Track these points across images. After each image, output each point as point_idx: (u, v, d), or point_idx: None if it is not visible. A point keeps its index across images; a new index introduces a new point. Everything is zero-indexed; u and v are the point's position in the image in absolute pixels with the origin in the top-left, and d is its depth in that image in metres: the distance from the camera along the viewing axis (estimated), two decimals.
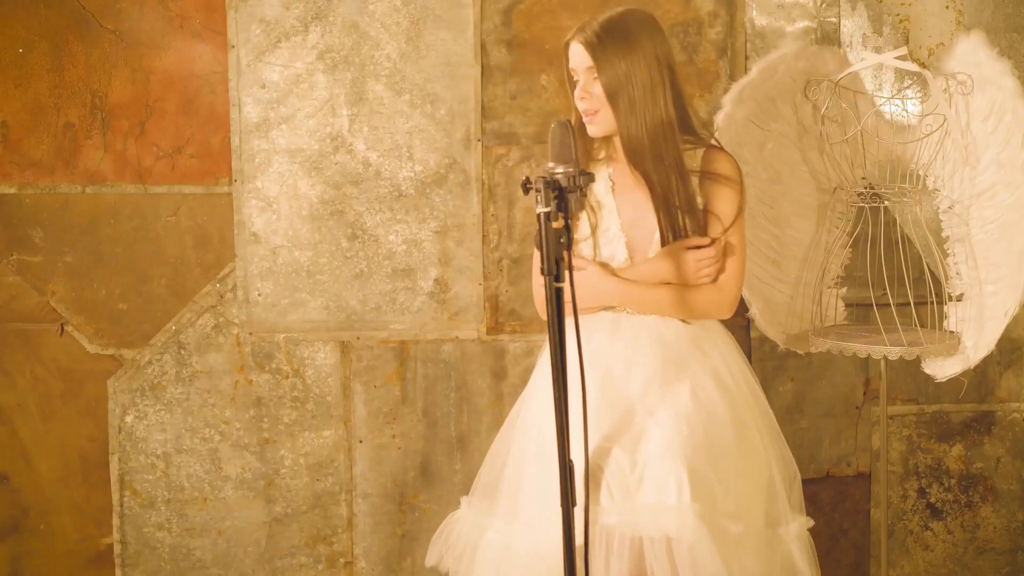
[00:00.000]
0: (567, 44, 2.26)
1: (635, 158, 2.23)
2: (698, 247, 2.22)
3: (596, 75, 2.22)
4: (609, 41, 2.20)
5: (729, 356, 2.34)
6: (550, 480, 1.92)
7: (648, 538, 2.04)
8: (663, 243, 2.25)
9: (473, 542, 2.27)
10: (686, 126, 2.26)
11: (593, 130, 2.26)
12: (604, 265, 2.28)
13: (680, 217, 2.24)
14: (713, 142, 2.30)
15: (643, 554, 2.04)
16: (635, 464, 2.09)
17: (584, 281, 2.22)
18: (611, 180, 2.29)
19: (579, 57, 2.23)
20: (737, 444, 2.19)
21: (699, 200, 2.26)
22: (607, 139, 2.31)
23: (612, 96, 2.21)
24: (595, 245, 2.29)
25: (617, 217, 2.29)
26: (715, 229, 2.26)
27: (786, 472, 2.30)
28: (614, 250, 2.29)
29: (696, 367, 2.27)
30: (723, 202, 2.26)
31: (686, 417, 2.15)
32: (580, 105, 2.25)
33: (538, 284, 2.33)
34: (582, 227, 2.29)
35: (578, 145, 2.27)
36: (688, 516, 2.01)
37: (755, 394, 2.34)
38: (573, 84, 2.27)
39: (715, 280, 2.27)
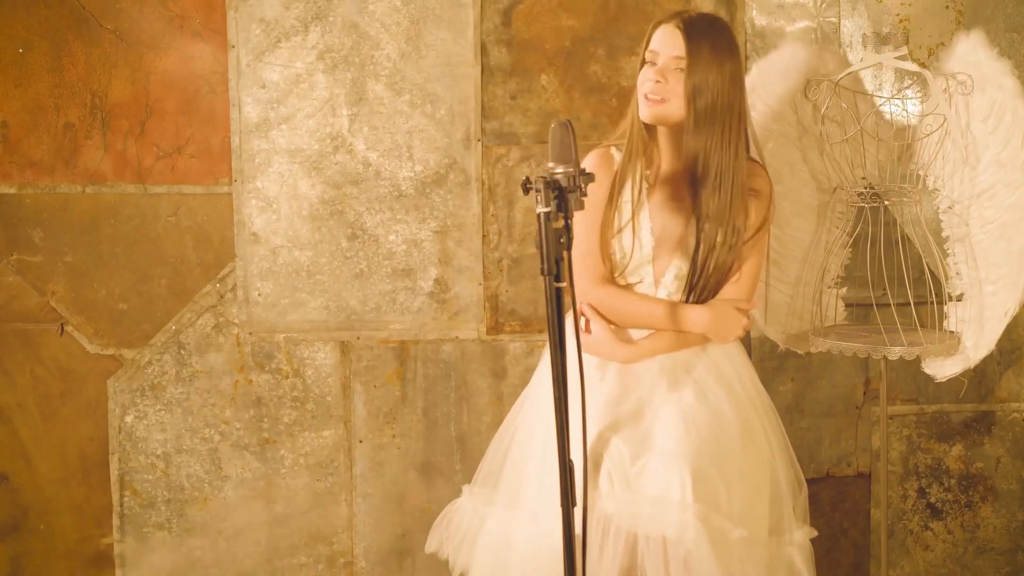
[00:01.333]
0: (657, 24, 2.20)
1: (697, 169, 2.21)
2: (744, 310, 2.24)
3: (682, 67, 2.18)
4: (706, 42, 2.17)
5: (737, 360, 2.34)
6: (553, 476, 1.92)
7: (645, 538, 2.04)
8: (695, 256, 2.24)
9: (474, 530, 2.28)
10: (745, 146, 2.26)
11: (648, 113, 2.20)
12: (618, 328, 2.26)
13: (721, 234, 2.23)
14: (754, 156, 2.30)
15: (635, 549, 2.04)
16: (637, 458, 2.10)
17: (595, 346, 2.23)
18: (647, 181, 2.28)
19: (672, 42, 2.17)
20: (743, 446, 2.19)
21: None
22: (652, 136, 2.28)
23: (693, 97, 2.17)
24: (634, 230, 2.26)
25: (648, 220, 2.27)
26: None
27: (792, 480, 2.29)
28: (640, 246, 2.28)
29: (703, 370, 2.28)
30: (750, 215, 2.25)
31: (692, 417, 2.15)
32: (648, 87, 2.19)
33: (578, 255, 2.28)
34: (624, 212, 2.26)
35: (636, 133, 2.26)
36: (688, 515, 2.01)
37: (762, 399, 2.33)
38: (644, 63, 2.21)
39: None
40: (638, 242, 2.26)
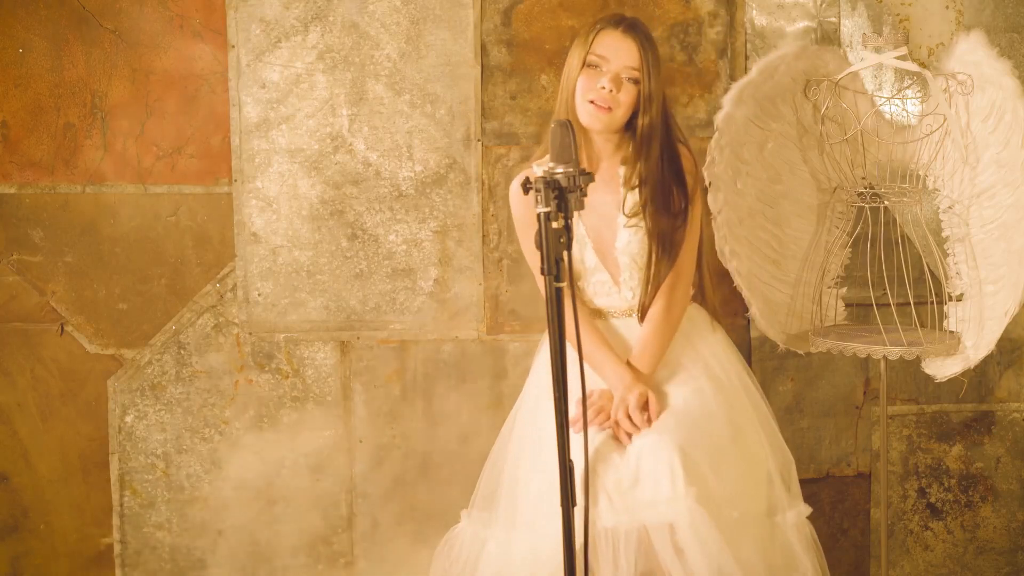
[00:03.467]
0: (601, 29, 2.23)
1: (636, 167, 2.27)
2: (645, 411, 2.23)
3: (633, 76, 2.21)
4: (652, 48, 2.23)
5: (718, 348, 2.37)
6: (548, 480, 1.93)
7: (653, 528, 2.04)
8: (648, 252, 2.28)
9: (474, 555, 2.27)
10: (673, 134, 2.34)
11: (594, 121, 2.24)
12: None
13: (663, 222, 2.27)
14: (681, 136, 2.37)
15: (650, 548, 2.04)
16: (628, 460, 2.10)
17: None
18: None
19: (625, 52, 2.20)
20: (730, 433, 2.20)
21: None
22: (586, 140, 2.31)
23: (647, 106, 2.21)
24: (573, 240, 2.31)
25: (580, 223, 2.29)
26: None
27: (781, 460, 2.31)
28: (583, 252, 2.30)
29: (687, 361, 2.31)
30: (682, 195, 2.33)
31: (676, 409, 2.17)
32: (596, 94, 2.21)
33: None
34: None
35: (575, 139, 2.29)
36: (686, 502, 2.01)
37: (745, 385, 2.36)
38: (586, 65, 2.23)
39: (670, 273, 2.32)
40: (579, 251, 2.28)
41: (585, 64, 2.23)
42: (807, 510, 2.28)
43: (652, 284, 2.29)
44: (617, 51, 2.20)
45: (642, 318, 2.32)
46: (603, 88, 2.20)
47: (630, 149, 2.29)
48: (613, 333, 2.34)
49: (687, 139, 2.40)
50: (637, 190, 2.27)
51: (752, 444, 2.26)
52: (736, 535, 2.07)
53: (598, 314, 2.37)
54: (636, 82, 2.22)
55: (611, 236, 2.30)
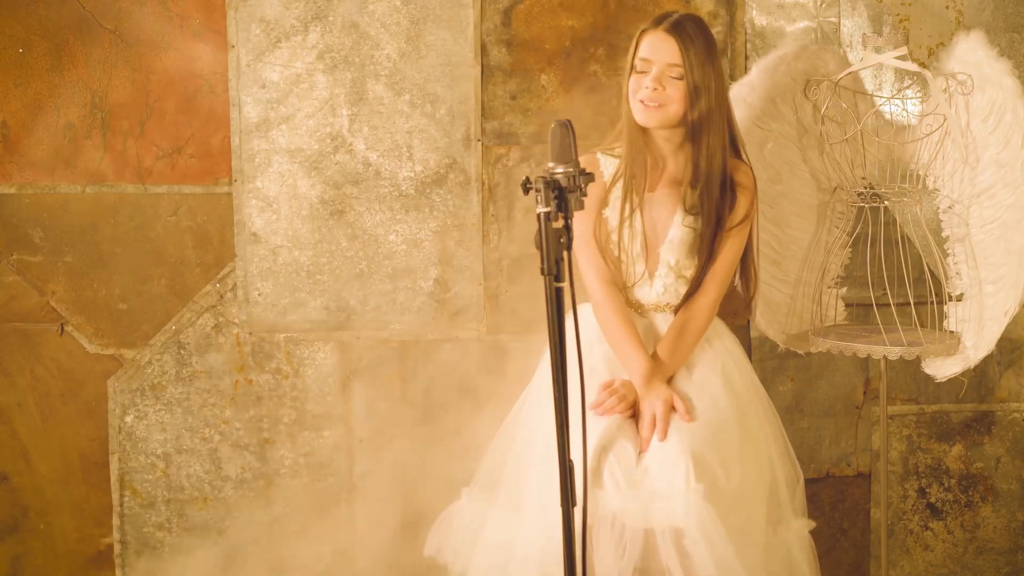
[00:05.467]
0: (644, 32, 2.26)
1: (694, 164, 2.28)
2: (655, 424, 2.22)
3: (677, 74, 2.23)
4: (696, 43, 2.23)
5: (737, 356, 2.39)
6: (555, 474, 1.93)
7: (659, 530, 2.05)
8: (702, 249, 2.30)
9: (473, 533, 2.28)
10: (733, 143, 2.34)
11: (646, 118, 2.27)
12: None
13: (705, 224, 2.29)
14: (739, 150, 2.38)
15: (654, 545, 2.05)
16: (641, 457, 2.12)
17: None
18: (636, 183, 2.33)
19: (665, 49, 2.22)
20: (740, 435, 2.21)
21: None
22: (649, 139, 2.32)
23: (693, 100, 2.23)
24: (620, 236, 2.31)
25: (639, 217, 2.31)
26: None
27: (789, 474, 2.32)
28: (633, 243, 2.32)
29: (702, 363, 2.32)
30: (735, 207, 2.33)
31: (690, 407, 2.19)
32: (644, 93, 2.25)
33: (584, 258, 2.35)
34: (615, 213, 2.32)
35: (633, 138, 2.29)
36: (695, 498, 2.03)
37: (759, 395, 2.37)
38: (634, 69, 2.27)
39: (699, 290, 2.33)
40: (628, 241, 2.30)
41: (633, 68, 2.27)
42: (810, 525, 2.29)
43: (691, 284, 2.32)
44: (658, 51, 2.24)
45: (675, 314, 2.34)
46: (647, 87, 2.24)
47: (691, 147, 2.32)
48: (644, 326, 2.37)
49: (748, 155, 2.40)
50: (697, 189, 2.29)
51: (759, 447, 2.27)
52: (742, 536, 2.08)
53: (632, 305, 2.39)
54: (682, 78, 2.24)
55: (663, 232, 2.33)
